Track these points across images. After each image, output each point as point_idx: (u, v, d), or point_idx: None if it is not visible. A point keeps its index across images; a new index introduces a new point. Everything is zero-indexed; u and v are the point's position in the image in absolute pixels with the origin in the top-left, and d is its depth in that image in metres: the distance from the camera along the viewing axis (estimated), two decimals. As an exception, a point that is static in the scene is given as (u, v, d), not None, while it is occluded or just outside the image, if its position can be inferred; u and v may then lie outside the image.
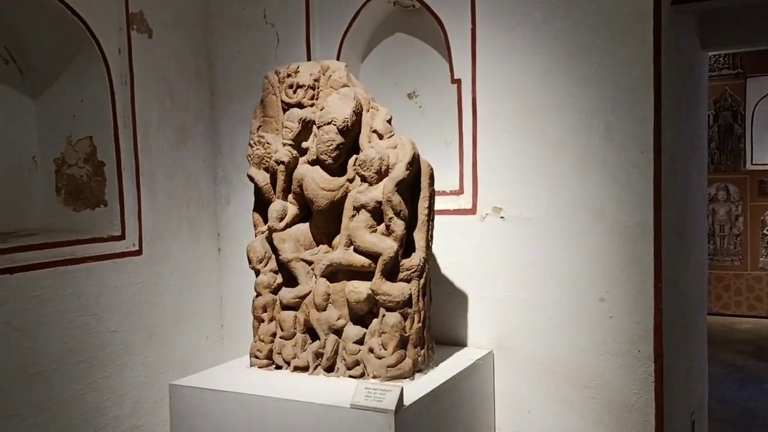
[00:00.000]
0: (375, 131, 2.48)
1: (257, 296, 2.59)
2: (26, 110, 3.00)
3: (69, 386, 2.71)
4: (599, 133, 2.57)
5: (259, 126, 2.67)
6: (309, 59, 3.04)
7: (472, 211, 2.79)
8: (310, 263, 2.54)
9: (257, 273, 2.60)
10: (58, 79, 2.96)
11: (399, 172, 2.37)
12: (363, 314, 2.45)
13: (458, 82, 2.80)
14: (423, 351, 2.45)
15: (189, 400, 2.43)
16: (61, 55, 2.90)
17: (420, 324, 2.41)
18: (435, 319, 2.59)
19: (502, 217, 2.74)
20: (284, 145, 2.55)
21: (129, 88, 2.94)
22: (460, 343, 2.84)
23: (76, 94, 2.94)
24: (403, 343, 2.38)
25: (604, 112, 2.55)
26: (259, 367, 2.55)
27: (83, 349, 2.76)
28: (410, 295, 2.38)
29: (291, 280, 2.56)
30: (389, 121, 2.52)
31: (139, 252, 3.00)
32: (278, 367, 2.54)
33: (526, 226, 2.71)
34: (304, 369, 2.48)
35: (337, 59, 2.95)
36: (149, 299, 3.05)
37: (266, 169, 2.59)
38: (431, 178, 2.46)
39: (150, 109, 3.04)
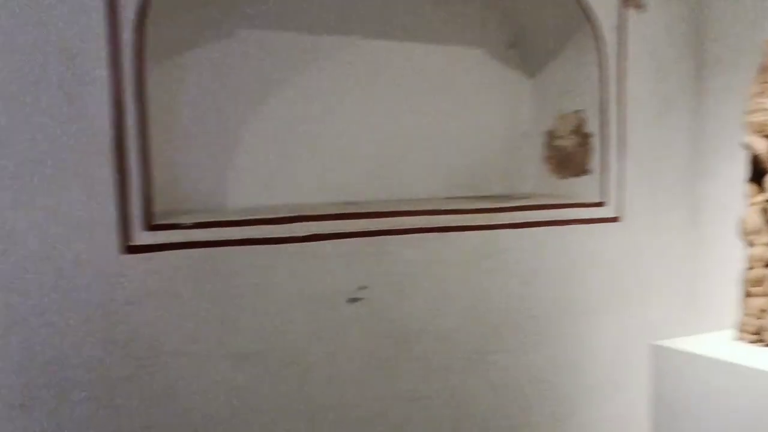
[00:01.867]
0: None
1: (749, 269, 2.50)
2: (523, 89, 3.42)
3: (551, 331, 3.04)
4: None
5: (759, 92, 2.55)
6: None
7: None
8: (813, 239, 2.34)
9: (750, 245, 2.51)
10: (553, 59, 3.29)
11: None
12: None
13: None
14: None
15: (672, 362, 2.49)
16: (559, 36, 3.21)
17: None
18: None
19: None
20: (791, 111, 2.39)
21: (620, 63, 3.09)
22: None
23: (568, 72, 3.23)
24: None
25: None
26: (748, 342, 2.48)
27: (566, 300, 3.07)
28: None
29: (790, 256, 2.41)
30: None
31: (617, 219, 3.17)
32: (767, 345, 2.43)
33: None
34: (801, 351, 2.32)
35: None
36: (625, 265, 3.20)
37: (766, 137, 2.47)
38: None
39: (638, 83, 3.14)
